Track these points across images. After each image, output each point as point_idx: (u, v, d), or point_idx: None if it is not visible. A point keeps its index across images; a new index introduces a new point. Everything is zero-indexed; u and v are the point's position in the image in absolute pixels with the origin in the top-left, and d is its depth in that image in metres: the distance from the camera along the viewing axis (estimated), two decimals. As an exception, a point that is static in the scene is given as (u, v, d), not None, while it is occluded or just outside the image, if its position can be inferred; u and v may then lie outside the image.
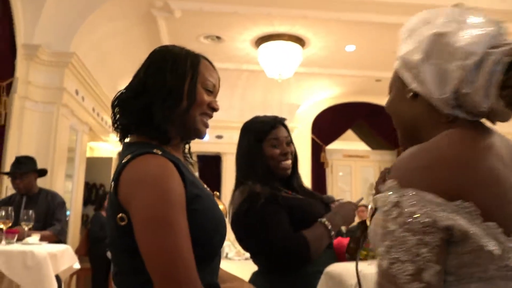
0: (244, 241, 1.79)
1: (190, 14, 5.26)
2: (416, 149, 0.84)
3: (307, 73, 6.95)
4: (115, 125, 1.19)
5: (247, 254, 1.93)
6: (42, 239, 3.33)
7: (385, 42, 5.76)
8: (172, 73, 1.16)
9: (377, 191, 1.27)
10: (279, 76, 6.05)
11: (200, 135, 1.22)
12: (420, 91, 0.90)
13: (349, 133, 8.66)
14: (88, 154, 6.68)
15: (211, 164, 8.00)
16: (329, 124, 8.23)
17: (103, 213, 5.81)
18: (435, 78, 0.87)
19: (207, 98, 1.20)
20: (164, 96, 1.14)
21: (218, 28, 5.64)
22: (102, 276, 5.30)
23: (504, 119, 0.88)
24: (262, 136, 1.83)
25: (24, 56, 4.71)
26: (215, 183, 7.59)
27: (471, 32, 0.85)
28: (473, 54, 0.83)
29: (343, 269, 1.62)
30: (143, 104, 1.14)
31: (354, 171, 8.60)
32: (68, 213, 5.25)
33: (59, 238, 3.63)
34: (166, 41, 5.64)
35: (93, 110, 6.19)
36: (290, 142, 1.88)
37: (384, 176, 1.25)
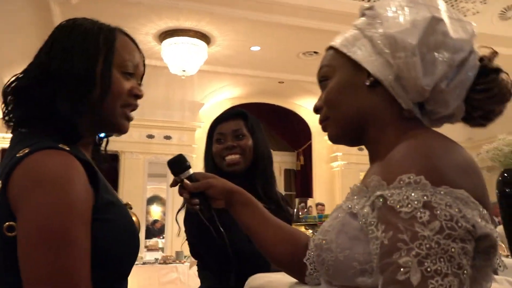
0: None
1: (88, 0, 4.86)
2: (426, 146, 0.72)
3: (211, 71, 6.81)
4: (7, 118, 0.96)
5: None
6: None
7: (290, 44, 5.81)
8: (80, 54, 0.94)
9: None
10: (183, 73, 5.85)
11: (121, 130, 1.03)
12: (384, 79, 0.81)
13: (252, 133, 8.70)
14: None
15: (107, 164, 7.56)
16: (232, 124, 8.19)
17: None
18: (421, 67, 0.77)
19: (126, 84, 1.00)
20: (71, 83, 0.92)
21: (119, 18, 5.26)
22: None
23: (451, 123, 0.85)
24: (211, 133, 1.70)
25: None
26: (112, 185, 7.15)
27: (460, 27, 0.80)
28: (462, 50, 0.78)
29: (266, 281, 1.47)
30: (47, 94, 0.91)
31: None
32: None
33: None
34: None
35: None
36: (242, 136, 1.65)
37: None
